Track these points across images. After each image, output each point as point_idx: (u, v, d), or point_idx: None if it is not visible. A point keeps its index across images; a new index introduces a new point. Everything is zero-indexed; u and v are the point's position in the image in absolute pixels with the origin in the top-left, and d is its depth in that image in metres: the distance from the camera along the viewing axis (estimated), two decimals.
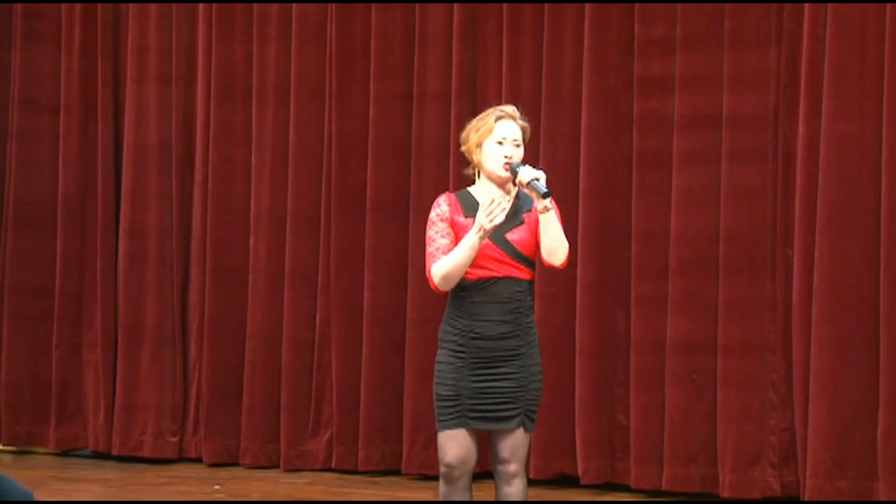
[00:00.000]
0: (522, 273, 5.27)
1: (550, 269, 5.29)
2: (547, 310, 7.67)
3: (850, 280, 7.28)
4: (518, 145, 5.28)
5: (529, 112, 7.80)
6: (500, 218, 5.10)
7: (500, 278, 5.24)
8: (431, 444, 7.91)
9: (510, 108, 5.37)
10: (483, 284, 5.24)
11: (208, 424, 8.57)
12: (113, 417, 8.73)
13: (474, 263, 5.22)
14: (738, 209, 7.51)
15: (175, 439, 8.66)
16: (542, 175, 5.18)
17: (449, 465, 5.28)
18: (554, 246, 5.20)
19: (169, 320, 8.66)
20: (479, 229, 5.13)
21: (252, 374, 8.49)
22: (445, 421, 5.28)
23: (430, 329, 8.11)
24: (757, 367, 7.47)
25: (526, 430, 5.27)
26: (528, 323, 5.29)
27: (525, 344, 5.28)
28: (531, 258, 5.29)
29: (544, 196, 5.14)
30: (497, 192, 5.29)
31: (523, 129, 5.34)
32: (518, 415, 5.25)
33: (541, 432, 7.67)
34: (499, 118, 5.31)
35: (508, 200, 5.25)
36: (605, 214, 7.79)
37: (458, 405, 5.25)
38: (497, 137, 5.28)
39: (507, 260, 5.24)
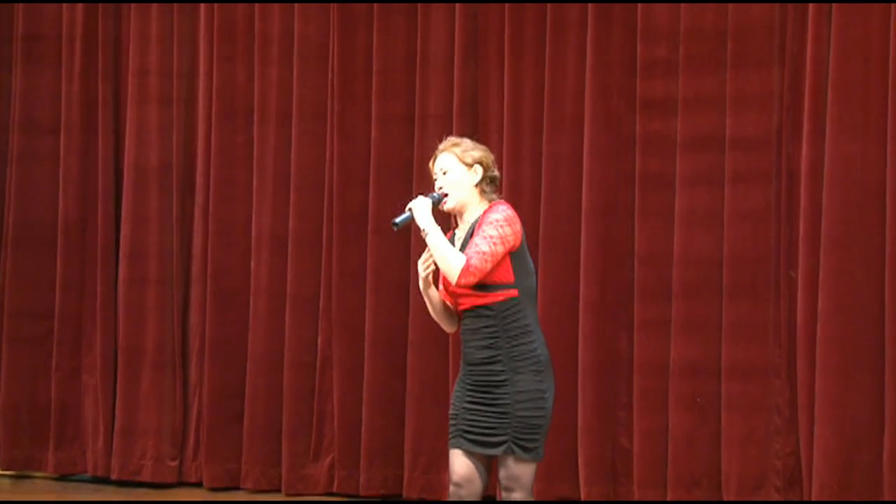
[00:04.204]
0: (485, 298, 5.29)
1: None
2: (549, 331, 7.57)
3: (854, 302, 7.24)
4: (445, 172, 5.44)
5: (531, 133, 7.88)
6: (426, 273, 5.34)
7: (470, 307, 5.32)
8: (432, 468, 7.87)
9: (443, 143, 5.52)
10: (463, 314, 5.36)
11: (209, 448, 8.51)
12: (112, 441, 8.67)
13: (449, 296, 5.40)
14: (741, 231, 7.48)
15: (175, 463, 8.60)
16: (413, 205, 5.36)
17: (454, 483, 5.36)
18: (442, 269, 5.30)
19: (169, 343, 8.61)
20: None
21: (253, 396, 8.45)
22: (449, 440, 5.37)
23: (431, 351, 8.12)
24: (761, 390, 7.43)
25: (517, 458, 5.23)
26: (510, 348, 5.29)
27: (510, 370, 5.27)
28: (482, 280, 5.27)
29: (393, 226, 5.41)
30: (459, 221, 5.48)
31: (454, 154, 5.43)
32: (503, 443, 5.23)
33: None
34: (434, 160, 5.50)
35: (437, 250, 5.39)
36: (608, 236, 7.75)
37: (456, 426, 5.35)
38: (434, 175, 5.48)
39: (460, 291, 5.27)
